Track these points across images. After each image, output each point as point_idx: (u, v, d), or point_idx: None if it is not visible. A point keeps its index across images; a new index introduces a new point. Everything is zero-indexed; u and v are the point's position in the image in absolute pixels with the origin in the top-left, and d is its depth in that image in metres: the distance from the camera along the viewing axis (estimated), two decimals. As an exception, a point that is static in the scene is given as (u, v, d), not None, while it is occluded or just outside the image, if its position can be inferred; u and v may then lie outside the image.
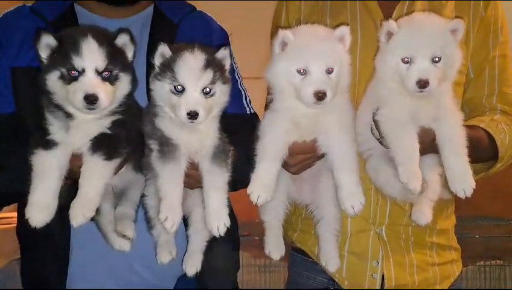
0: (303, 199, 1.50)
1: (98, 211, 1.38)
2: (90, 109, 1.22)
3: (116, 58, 1.27)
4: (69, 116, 1.26)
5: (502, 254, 3.40)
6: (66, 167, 1.26)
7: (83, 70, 1.22)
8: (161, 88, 1.28)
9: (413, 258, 1.50)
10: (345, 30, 1.31)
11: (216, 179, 1.30)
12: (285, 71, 1.29)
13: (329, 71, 1.27)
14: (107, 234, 1.41)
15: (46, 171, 1.23)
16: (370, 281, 1.49)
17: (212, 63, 1.27)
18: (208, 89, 1.27)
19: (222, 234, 1.29)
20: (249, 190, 1.30)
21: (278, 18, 1.62)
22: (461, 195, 1.27)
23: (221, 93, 1.30)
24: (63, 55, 1.23)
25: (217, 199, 1.29)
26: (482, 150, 1.40)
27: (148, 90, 1.35)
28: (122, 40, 1.30)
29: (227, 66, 1.33)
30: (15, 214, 1.52)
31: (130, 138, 1.31)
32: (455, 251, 1.60)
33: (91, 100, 1.20)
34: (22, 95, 1.41)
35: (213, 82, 1.27)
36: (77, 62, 1.22)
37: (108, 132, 1.28)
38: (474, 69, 1.51)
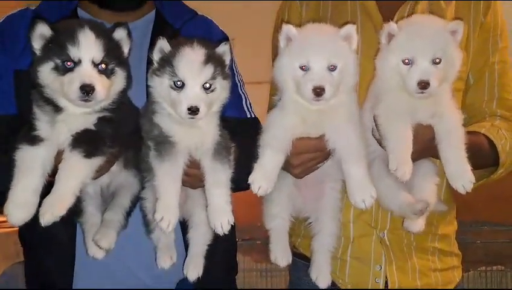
0: (305, 209, 1.47)
1: (81, 213, 1.37)
2: (85, 100, 1.17)
3: (112, 52, 1.23)
4: (57, 110, 1.22)
5: (503, 260, 3.39)
6: (51, 164, 1.22)
7: (79, 61, 1.18)
8: (160, 84, 1.26)
9: (415, 263, 1.50)
10: (351, 29, 1.29)
11: (218, 176, 1.28)
12: (289, 67, 1.28)
13: (331, 68, 1.26)
14: (87, 237, 1.38)
15: (29, 167, 1.19)
16: (373, 285, 1.49)
17: (213, 58, 1.25)
18: (208, 85, 1.24)
19: (226, 232, 1.26)
20: (250, 179, 1.28)
21: (279, 26, 1.63)
22: (461, 191, 1.27)
23: (222, 89, 1.28)
24: (59, 45, 1.18)
25: (220, 196, 1.27)
26: (483, 156, 1.40)
27: (148, 95, 1.34)
28: (120, 34, 1.27)
29: (228, 62, 1.32)
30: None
31: (118, 136, 1.27)
32: (456, 256, 1.60)
33: (87, 91, 1.16)
34: (23, 97, 1.39)
35: (213, 77, 1.25)
36: (73, 52, 1.18)
37: (93, 128, 1.23)
38: (474, 75, 1.52)
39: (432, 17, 1.34)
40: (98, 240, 1.33)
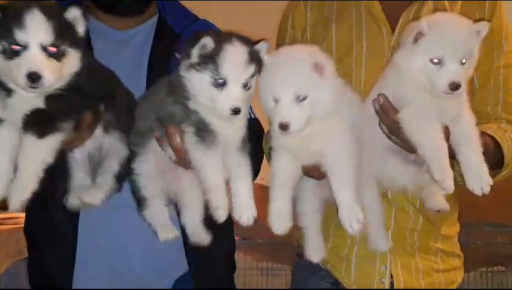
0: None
1: (70, 177, 1.37)
2: (33, 87, 1.13)
3: (64, 33, 1.17)
4: (10, 92, 1.17)
5: (505, 261, 3.40)
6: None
7: (27, 45, 1.12)
8: (199, 79, 1.23)
9: (418, 263, 1.51)
10: (322, 59, 1.24)
11: (243, 170, 1.30)
12: (265, 98, 1.27)
13: (299, 99, 1.23)
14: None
15: None
16: (379, 285, 1.50)
17: (254, 57, 1.25)
18: (247, 83, 1.24)
19: (250, 224, 1.29)
20: (269, 221, 1.31)
21: (284, 27, 1.63)
22: (478, 193, 1.26)
23: (254, 85, 1.28)
24: (6, 28, 1.12)
25: (244, 189, 1.29)
26: (488, 156, 1.40)
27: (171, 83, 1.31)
28: (73, 14, 1.20)
29: (264, 60, 1.29)
30: (19, 215, 1.51)
31: (88, 103, 1.25)
32: (458, 258, 1.61)
33: (34, 78, 1.12)
34: None
35: (253, 75, 1.24)
36: (20, 36, 1.12)
37: (42, 106, 1.18)
38: (479, 79, 1.52)
39: (459, 17, 1.32)
40: (82, 196, 1.34)
